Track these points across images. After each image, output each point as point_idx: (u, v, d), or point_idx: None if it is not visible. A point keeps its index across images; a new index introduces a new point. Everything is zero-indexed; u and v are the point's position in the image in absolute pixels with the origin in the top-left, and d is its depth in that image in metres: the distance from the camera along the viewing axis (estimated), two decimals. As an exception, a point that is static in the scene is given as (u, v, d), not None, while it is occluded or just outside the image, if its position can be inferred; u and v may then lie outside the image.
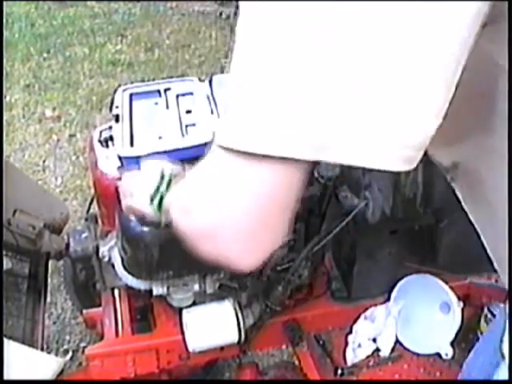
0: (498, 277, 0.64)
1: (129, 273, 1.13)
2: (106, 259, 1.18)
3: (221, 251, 0.50)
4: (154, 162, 0.80)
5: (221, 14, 4.29)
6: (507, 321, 0.62)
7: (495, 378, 0.64)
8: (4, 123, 2.85)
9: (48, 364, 1.20)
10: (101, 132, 1.23)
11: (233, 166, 0.45)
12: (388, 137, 0.40)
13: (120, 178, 1.10)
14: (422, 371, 1.31)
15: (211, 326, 1.17)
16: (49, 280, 1.51)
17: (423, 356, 1.31)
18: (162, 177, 0.72)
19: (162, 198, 0.69)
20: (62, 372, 1.22)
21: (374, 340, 1.31)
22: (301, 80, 0.40)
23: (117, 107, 1.22)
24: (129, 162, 1.11)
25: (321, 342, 1.34)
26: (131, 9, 4.38)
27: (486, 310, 1.39)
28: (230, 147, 0.43)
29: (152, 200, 0.70)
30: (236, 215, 0.47)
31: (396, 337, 1.29)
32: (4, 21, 3.87)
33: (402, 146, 0.41)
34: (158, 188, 0.70)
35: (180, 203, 0.53)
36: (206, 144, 1.13)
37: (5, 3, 3.74)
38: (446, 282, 1.25)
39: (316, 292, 1.31)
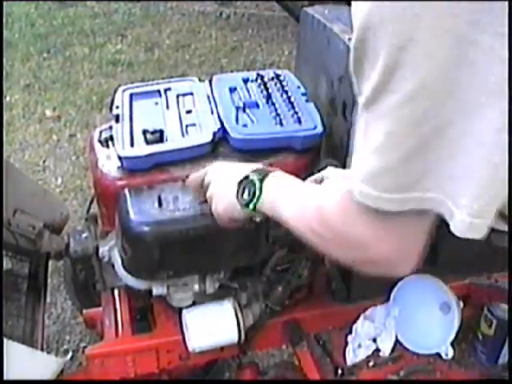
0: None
1: (129, 273, 1.13)
2: (106, 259, 1.18)
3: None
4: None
5: (221, 13, 4.29)
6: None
7: None
8: (4, 123, 2.85)
9: (48, 364, 1.20)
10: (101, 132, 1.23)
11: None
12: None
13: (121, 179, 1.10)
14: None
15: (211, 326, 1.16)
16: (49, 280, 1.51)
17: (423, 356, 1.31)
18: (251, 181, 0.83)
19: (257, 201, 0.82)
20: (62, 372, 1.22)
21: (374, 340, 1.31)
22: None
23: (117, 107, 1.22)
24: (129, 162, 1.11)
25: (321, 342, 1.34)
26: (131, 9, 4.38)
27: (485, 310, 1.39)
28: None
29: (248, 205, 0.83)
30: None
31: (396, 337, 1.29)
32: (4, 21, 3.86)
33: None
34: (253, 193, 0.82)
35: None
36: (206, 144, 1.13)
37: (5, 3, 3.74)
38: (446, 282, 1.25)
39: (316, 292, 1.31)
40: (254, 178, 0.83)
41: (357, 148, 0.62)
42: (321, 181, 1.05)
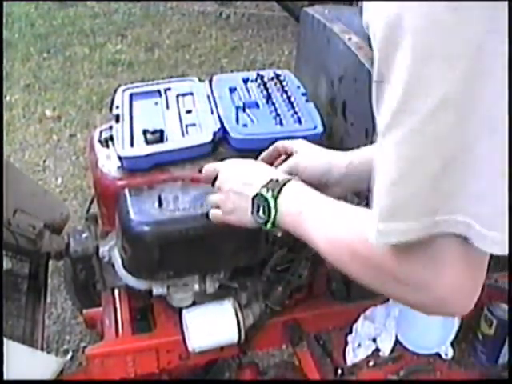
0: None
1: (129, 273, 1.13)
2: (106, 259, 1.18)
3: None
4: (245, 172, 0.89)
5: (221, 13, 4.30)
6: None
7: None
8: (4, 123, 2.85)
9: (48, 364, 1.20)
10: (101, 132, 1.23)
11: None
12: None
13: (121, 179, 1.10)
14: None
15: (211, 326, 1.16)
16: (49, 280, 1.51)
17: (423, 356, 1.31)
18: (265, 199, 0.80)
19: (274, 220, 0.79)
20: (62, 372, 1.22)
21: (374, 340, 1.31)
22: None
23: (117, 107, 1.22)
24: (129, 162, 1.11)
25: (321, 342, 1.34)
26: (131, 9, 4.38)
27: (485, 310, 1.39)
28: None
29: (265, 224, 0.81)
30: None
31: (396, 337, 1.30)
32: (4, 21, 3.87)
33: None
34: (268, 213, 0.79)
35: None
36: (206, 144, 1.13)
37: (5, 3, 3.74)
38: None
39: (316, 292, 1.31)
40: (268, 195, 0.79)
41: (377, 187, 0.57)
42: (291, 153, 0.99)
